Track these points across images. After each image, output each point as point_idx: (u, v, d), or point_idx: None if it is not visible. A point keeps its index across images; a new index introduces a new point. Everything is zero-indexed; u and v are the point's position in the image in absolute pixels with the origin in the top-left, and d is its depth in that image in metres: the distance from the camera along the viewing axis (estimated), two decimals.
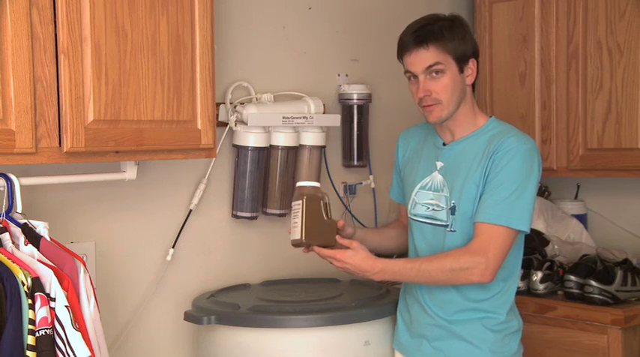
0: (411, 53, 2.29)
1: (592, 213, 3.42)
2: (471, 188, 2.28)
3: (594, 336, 2.76)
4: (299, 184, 2.34)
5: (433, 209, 2.35)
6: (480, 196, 2.26)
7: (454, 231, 2.30)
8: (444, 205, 2.32)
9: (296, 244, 2.29)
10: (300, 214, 2.25)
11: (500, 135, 2.30)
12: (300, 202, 2.26)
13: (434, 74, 2.27)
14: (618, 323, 2.71)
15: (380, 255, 3.27)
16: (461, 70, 2.30)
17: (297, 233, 2.26)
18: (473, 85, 2.37)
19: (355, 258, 2.24)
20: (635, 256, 3.11)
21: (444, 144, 2.38)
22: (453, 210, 2.30)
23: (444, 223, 2.32)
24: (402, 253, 2.76)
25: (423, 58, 2.27)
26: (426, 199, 2.37)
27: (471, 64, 2.32)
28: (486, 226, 2.22)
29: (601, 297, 2.76)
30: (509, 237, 2.22)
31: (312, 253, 2.59)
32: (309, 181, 2.40)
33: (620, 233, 3.34)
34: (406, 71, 2.34)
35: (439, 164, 2.37)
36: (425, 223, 2.38)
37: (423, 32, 2.28)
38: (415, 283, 2.36)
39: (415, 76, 2.31)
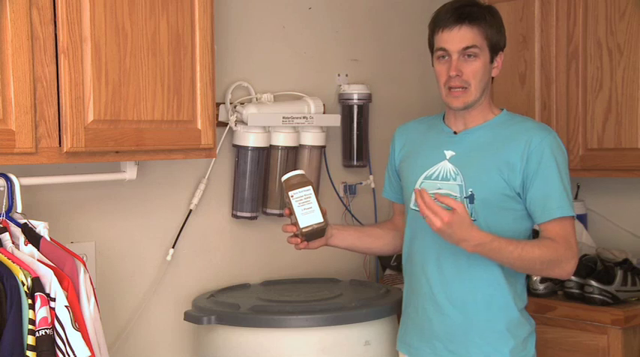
0: (452, 30, 2.22)
1: (592, 213, 3.41)
2: (493, 176, 2.23)
3: (594, 336, 2.76)
4: (294, 173, 2.29)
5: None
6: (522, 193, 2.22)
7: (474, 220, 2.20)
8: (457, 193, 2.24)
9: (314, 230, 2.25)
10: (312, 199, 2.24)
11: (521, 126, 2.28)
12: (309, 187, 2.25)
13: (467, 57, 2.23)
14: (618, 323, 2.70)
15: (380, 256, 3.25)
16: (491, 60, 2.27)
17: (315, 218, 2.24)
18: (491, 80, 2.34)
19: (461, 226, 2.08)
20: (635, 256, 3.10)
21: (455, 133, 2.32)
22: (471, 198, 2.23)
23: None
24: (397, 254, 2.74)
25: (463, 37, 2.22)
26: (433, 189, 2.27)
27: (499, 58, 2.30)
28: (557, 222, 2.21)
29: (601, 297, 2.76)
30: (574, 224, 2.25)
31: (311, 253, 2.59)
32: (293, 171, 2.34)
33: (620, 233, 3.33)
34: (438, 49, 2.26)
35: (449, 153, 2.29)
36: None
37: (466, 11, 2.23)
38: (505, 265, 2.21)
39: (445, 56, 2.24)
